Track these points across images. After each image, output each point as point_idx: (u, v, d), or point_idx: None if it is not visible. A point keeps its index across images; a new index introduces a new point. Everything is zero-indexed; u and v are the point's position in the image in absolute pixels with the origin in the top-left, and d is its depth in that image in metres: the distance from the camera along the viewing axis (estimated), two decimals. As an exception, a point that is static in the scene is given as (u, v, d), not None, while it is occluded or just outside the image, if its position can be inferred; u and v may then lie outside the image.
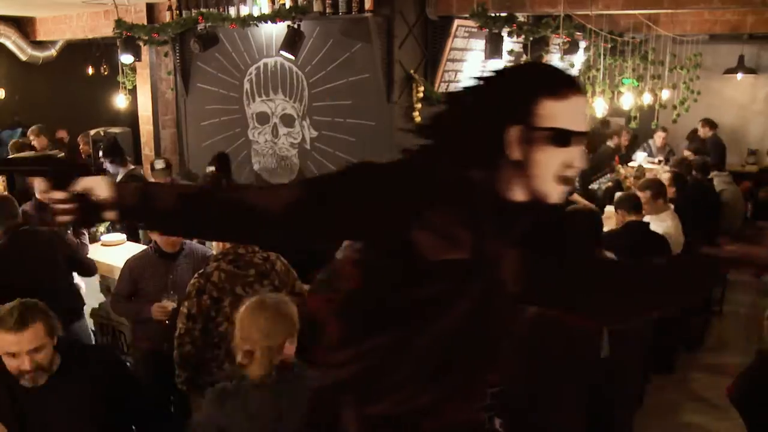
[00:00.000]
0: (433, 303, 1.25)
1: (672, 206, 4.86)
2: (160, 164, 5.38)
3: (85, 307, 4.96)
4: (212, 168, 5.03)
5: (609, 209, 5.36)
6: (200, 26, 5.43)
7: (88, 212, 1.17)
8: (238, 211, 1.19)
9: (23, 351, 2.10)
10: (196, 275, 3.09)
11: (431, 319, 1.26)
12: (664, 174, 5.83)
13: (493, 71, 1.30)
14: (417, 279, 1.23)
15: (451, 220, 1.22)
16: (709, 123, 8.75)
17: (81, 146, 7.42)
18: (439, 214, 1.21)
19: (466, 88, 1.30)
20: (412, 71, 5.02)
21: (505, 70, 1.32)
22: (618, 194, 4.65)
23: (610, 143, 7.91)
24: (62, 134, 8.53)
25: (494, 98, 1.26)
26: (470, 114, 1.27)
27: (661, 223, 4.47)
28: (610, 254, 3.42)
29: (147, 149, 6.94)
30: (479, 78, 1.29)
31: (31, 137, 7.28)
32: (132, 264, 3.70)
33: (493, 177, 1.26)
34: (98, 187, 1.16)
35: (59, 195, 1.17)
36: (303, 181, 1.25)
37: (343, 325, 1.35)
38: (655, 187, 4.63)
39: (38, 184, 1.22)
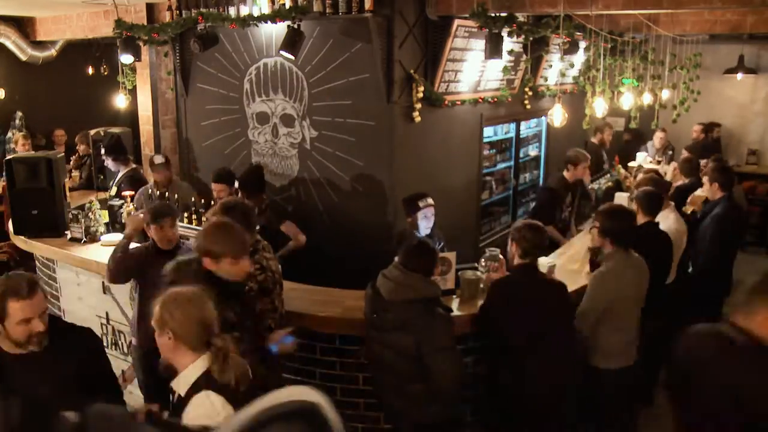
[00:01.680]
0: None
1: (672, 203, 4.93)
2: (159, 159, 5.38)
3: (85, 307, 4.98)
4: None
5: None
6: (200, 26, 5.43)
7: None
8: None
9: (36, 314, 2.29)
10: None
11: None
12: (670, 172, 5.86)
13: None
14: None
15: None
16: (702, 126, 8.78)
17: (78, 146, 7.42)
18: None
19: None
20: (412, 71, 5.02)
21: None
22: (637, 191, 4.62)
23: (594, 139, 7.88)
24: (60, 133, 8.53)
25: None
26: None
27: (665, 219, 4.59)
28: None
29: (147, 149, 6.93)
30: None
31: (19, 142, 7.26)
32: (132, 255, 3.82)
33: None
34: None
35: None
36: None
37: None
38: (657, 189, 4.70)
39: None
